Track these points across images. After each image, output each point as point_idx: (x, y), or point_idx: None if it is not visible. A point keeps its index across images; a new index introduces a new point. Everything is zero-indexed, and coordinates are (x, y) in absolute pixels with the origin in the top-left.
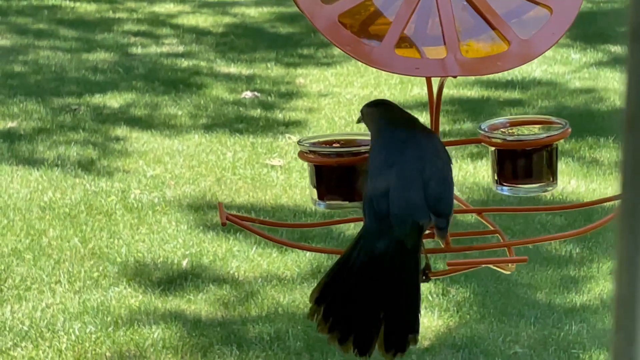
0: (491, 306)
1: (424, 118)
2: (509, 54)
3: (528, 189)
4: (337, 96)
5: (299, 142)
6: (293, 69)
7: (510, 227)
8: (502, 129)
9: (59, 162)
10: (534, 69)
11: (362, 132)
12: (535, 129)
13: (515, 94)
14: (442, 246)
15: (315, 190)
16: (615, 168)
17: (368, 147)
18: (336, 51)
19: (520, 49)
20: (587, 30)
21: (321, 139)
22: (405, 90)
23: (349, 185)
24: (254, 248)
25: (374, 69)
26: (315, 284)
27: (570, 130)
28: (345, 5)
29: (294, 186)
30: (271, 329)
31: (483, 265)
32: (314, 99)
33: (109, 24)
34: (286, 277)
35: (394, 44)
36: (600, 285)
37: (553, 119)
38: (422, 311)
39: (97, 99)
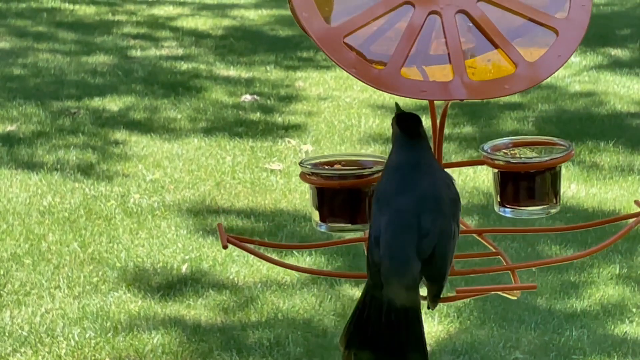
0: (491, 312)
1: (424, 124)
2: (516, 77)
3: (531, 212)
4: (337, 100)
5: (300, 164)
6: (292, 72)
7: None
8: (504, 150)
9: (58, 166)
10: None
11: (364, 152)
12: (539, 150)
13: (515, 98)
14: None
15: (317, 212)
16: (616, 172)
17: (372, 169)
18: None
19: (527, 72)
20: (587, 33)
21: (322, 160)
22: None
23: (351, 207)
24: None
25: None
26: (342, 330)
27: (573, 152)
28: (350, 26)
29: (293, 190)
30: (271, 334)
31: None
32: (314, 102)
33: (108, 27)
34: (286, 282)
35: (400, 66)
36: (600, 290)
37: (556, 140)
38: (422, 316)
39: (97, 102)
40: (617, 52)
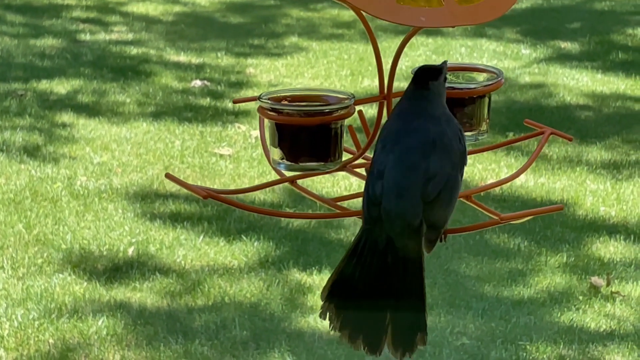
0: (439, 298)
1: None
2: (496, 1)
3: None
4: (288, 87)
5: (259, 98)
6: (243, 58)
7: (459, 220)
8: None
9: (4, 147)
10: (485, 64)
11: (326, 88)
12: (472, 75)
13: None
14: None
15: (276, 150)
16: (564, 163)
17: (337, 106)
18: (287, 42)
19: None
20: (537, 26)
21: (273, 95)
22: (356, 81)
23: (316, 145)
24: (201, 237)
25: (324, 60)
26: (326, 281)
27: (503, 80)
28: None
29: (242, 175)
30: (217, 318)
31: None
32: (264, 89)
33: (57, 10)
34: (233, 266)
35: None
36: (547, 278)
37: (487, 67)
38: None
39: (44, 85)
40: (567, 45)
